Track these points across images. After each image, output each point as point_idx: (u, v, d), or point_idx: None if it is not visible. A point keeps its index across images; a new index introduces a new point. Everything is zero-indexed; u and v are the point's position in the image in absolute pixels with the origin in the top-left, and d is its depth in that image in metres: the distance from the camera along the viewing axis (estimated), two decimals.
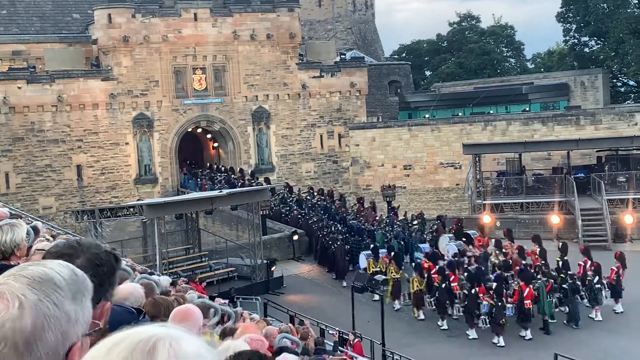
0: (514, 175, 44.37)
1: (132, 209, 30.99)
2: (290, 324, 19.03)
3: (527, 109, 53.71)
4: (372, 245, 32.16)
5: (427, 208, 46.78)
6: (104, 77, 43.90)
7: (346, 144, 50.45)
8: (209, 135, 50.30)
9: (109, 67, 44.19)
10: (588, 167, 43.73)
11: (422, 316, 27.49)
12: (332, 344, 19.96)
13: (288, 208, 40.72)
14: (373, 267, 30.01)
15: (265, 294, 30.66)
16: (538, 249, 30.61)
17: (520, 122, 47.96)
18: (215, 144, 50.32)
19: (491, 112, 53.59)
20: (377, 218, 39.15)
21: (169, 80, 45.36)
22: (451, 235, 33.77)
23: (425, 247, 32.64)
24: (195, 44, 45.66)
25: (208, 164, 49.21)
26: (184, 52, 45.47)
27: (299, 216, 38.96)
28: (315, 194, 43.74)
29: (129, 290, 4.85)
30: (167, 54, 45.03)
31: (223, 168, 47.29)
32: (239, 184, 42.67)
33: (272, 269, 32.93)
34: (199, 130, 49.23)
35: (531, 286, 25.71)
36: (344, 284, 32.13)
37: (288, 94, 48.82)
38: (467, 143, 45.74)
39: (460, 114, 54.82)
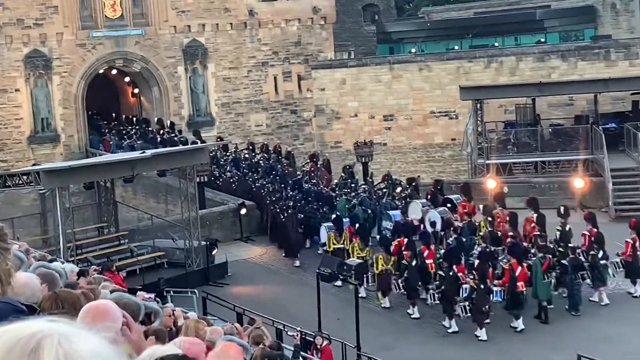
0: (526, 126, 44.69)
1: (25, 177, 30.68)
2: (237, 324, 19.11)
3: (543, 40, 53.99)
4: (333, 215, 32.62)
5: (415, 170, 47.01)
6: None
7: (308, 89, 50.35)
8: (127, 79, 49.87)
9: None
10: (621, 115, 44.20)
11: (387, 304, 27.88)
12: (293, 349, 20.09)
13: (221, 170, 40.87)
14: (334, 243, 30.60)
15: (204, 285, 30.70)
16: (535, 216, 31.12)
17: (534, 58, 48.17)
18: (136, 90, 49.93)
19: (496, 44, 53.75)
20: (333, 181, 39.65)
21: (71, 5, 44.76)
22: (424, 200, 34.21)
23: (396, 214, 32.97)
24: None
25: (114, 114, 48.85)
26: None
27: (232, 180, 39.36)
28: (258, 150, 43.96)
29: (21, 282, 4.83)
30: None
31: (135, 120, 47.41)
32: (158, 140, 42.90)
33: (213, 252, 32.95)
34: (114, 71, 48.73)
35: (524, 264, 26.15)
36: (297, 263, 33.08)
37: (231, 24, 48.47)
38: (466, 85, 45.86)
39: (456, 47, 54.89)
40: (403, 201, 35.07)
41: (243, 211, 36.77)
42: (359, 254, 29.27)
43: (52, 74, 44.81)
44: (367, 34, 63.94)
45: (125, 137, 44.85)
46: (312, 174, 40.50)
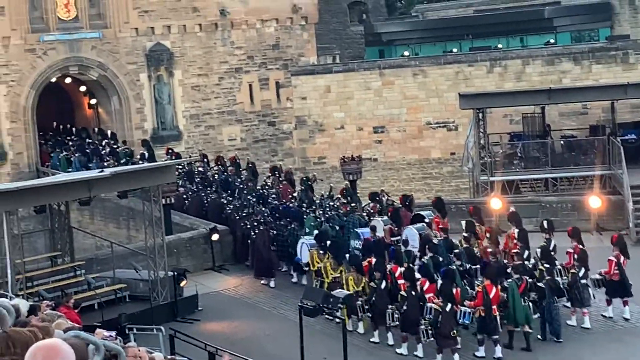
0: (535, 138, 44.86)
1: None
2: None
3: (552, 40, 54.31)
4: (316, 232, 33.26)
5: (410, 189, 47.07)
6: None
7: (288, 98, 50.47)
8: (83, 88, 49.83)
9: None
10: None
11: (376, 338, 27.95)
12: None
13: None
14: (318, 262, 31.17)
15: (171, 321, 30.60)
16: (516, 232, 31.42)
17: (543, 61, 48.43)
18: (93, 101, 49.89)
19: (500, 46, 54.02)
20: (294, 194, 40.06)
21: (19, 6, 44.78)
22: (385, 218, 34.76)
23: (366, 232, 33.41)
24: None
25: (55, 124, 48.92)
26: None
27: (185, 196, 39.90)
28: (213, 163, 44.29)
29: None
30: None
31: (75, 130, 48.08)
32: (103, 152, 43.65)
33: (182, 284, 32.87)
34: (68, 80, 48.68)
35: (499, 286, 26.42)
36: (272, 283, 33.88)
37: (200, 25, 48.60)
38: (466, 93, 46.08)
39: (454, 49, 55.13)
40: (366, 217, 35.84)
41: (215, 237, 36.67)
42: (331, 273, 29.83)
43: None
44: (354, 35, 64.15)
45: (62, 148, 45.29)
46: (273, 189, 40.87)
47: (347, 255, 31.30)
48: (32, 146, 45.80)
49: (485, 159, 42.74)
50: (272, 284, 33.96)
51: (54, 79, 47.08)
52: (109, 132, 47.24)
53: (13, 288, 27.65)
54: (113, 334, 17.79)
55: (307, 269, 32.36)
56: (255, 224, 35.52)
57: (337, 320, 26.01)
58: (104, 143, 45.71)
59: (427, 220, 34.04)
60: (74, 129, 48.74)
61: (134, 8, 47.02)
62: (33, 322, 9.63)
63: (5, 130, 45.11)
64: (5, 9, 44.49)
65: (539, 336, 27.03)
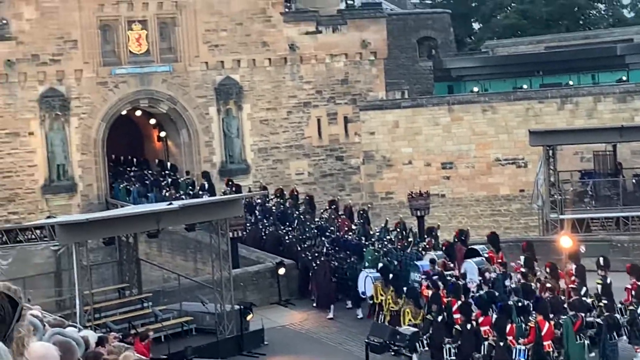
0: (606, 176, 44.38)
1: (38, 231, 30.85)
2: None
3: (625, 78, 53.69)
4: (380, 265, 33.45)
5: (478, 226, 46.79)
6: None
7: (356, 132, 50.46)
8: (152, 121, 50.26)
9: (4, 21, 44.20)
10: None
11: None
12: None
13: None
14: (382, 295, 31.64)
15: (237, 355, 30.61)
16: (574, 268, 31.47)
17: (615, 98, 47.96)
18: (162, 134, 50.29)
19: (571, 83, 53.54)
20: (352, 227, 40.45)
21: (92, 40, 45.36)
22: (439, 252, 35.13)
23: (425, 265, 33.93)
24: None
25: (114, 156, 49.39)
26: None
27: (246, 225, 39.89)
28: (272, 195, 44.55)
29: (38, 354, 4.82)
30: (90, 0, 45.03)
31: (135, 161, 48.78)
32: (164, 182, 44.33)
33: (248, 318, 32.88)
34: (138, 113, 49.14)
35: (552, 322, 26.32)
36: (330, 314, 34.48)
37: (269, 59, 48.84)
38: (536, 129, 45.74)
39: (524, 86, 54.73)
40: (422, 251, 36.23)
41: (282, 271, 36.69)
42: (392, 307, 30.42)
43: (69, 116, 45.25)
44: (423, 70, 64.08)
45: (123, 179, 46.15)
46: (336, 221, 41.13)
47: (405, 289, 31.52)
48: (101, 178, 46.14)
49: (555, 196, 42.51)
50: (331, 314, 34.59)
51: (124, 112, 47.52)
52: (168, 163, 47.79)
53: (81, 319, 27.84)
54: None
55: (370, 301, 32.74)
56: (317, 254, 36.14)
57: (404, 357, 25.87)
58: (164, 174, 46.31)
59: (482, 254, 34.35)
60: (134, 159, 49.33)
61: (204, 42, 47.40)
62: (103, 354, 9.66)
63: (76, 162, 45.52)
64: (78, 42, 45.05)
65: None
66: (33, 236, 30.92)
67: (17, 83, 44.31)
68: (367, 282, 33.16)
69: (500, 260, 34.05)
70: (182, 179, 45.77)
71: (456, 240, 37.29)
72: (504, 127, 48.87)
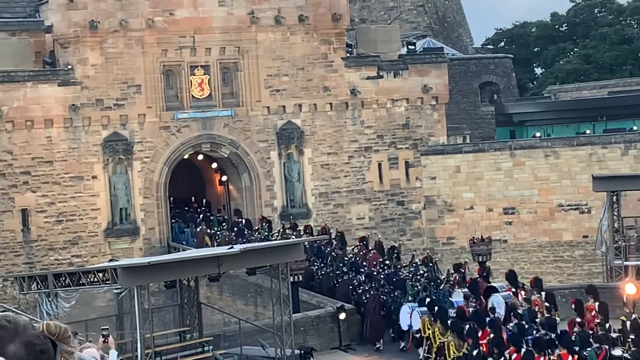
0: None
1: (101, 274, 31.07)
2: None
3: None
4: (428, 299, 34.95)
5: (541, 272, 46.34)
6: (62, 81, 44.48)
7: (417, 177, 50.32)
8: (214, 165, 50.52)
9: (69, 66, 44.82)
10: None
11: None
12: None
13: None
14: (429, 328, 32.98)
15: None
16: (596, 305, 32.27)
17: None
18: (224, 178, 50.51)
19: (634, 128, 53.10)
20: (386, 262, 41.39)
21: (155, 85, 45.83)
22: (465, 290, 36.10)
23: (459, 301, 35.07)
24: (195, 31, 46.15)
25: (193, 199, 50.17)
26: (178, 44, 45.97)
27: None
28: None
29: None
30: (154, 46, 45.56)
31: (195, 201, 49.88)
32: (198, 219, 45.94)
33: None
34: (200, 157, 49.44)
35: (576, 355, 27.13)
36: (379, 345, 36.11)
37: (330, 104, 48.96)
38: (600, 175, 45.50)
39: (588, 131, 54.40)
40: (450, 287, 37.72)
41: (342, 316, 36.62)
42: (439, 338, 32.03)
43: (132, 160, 45.64)
44: (485, 115, 63.91)
45: (189, 222, 47.08)
46: (365, 257, 42.02)
47: (449, 322, 32.82)
48: (163, 222, 46.37)
49: (620, 242, 42.18)
50: (379, 346, 36.23)
51: (186, 156, 47.80)
52: (204, 200, 49.40)
53: None
54: None
55: (417, 335, 33.96)
56: (367, 288, 37.67)
57: None
58: (199, 210, 47.79)
59: (500, 291, 35.74)
60: (195, 200, 50.27)
61: (266, 87, 47.65)
62: None
63: (139, 206, 45.84)
64: (141, 87, 45.52)
65: None
66: (95, 279, 31.17)
67: (81, 127, 44.79)
68: (413, 315, 34.30)
69: (524, 296, 35.37)
70: (213, 215, 47.29)
71: (478, 277, 38.90)
72: (566, 172, 48.54)
